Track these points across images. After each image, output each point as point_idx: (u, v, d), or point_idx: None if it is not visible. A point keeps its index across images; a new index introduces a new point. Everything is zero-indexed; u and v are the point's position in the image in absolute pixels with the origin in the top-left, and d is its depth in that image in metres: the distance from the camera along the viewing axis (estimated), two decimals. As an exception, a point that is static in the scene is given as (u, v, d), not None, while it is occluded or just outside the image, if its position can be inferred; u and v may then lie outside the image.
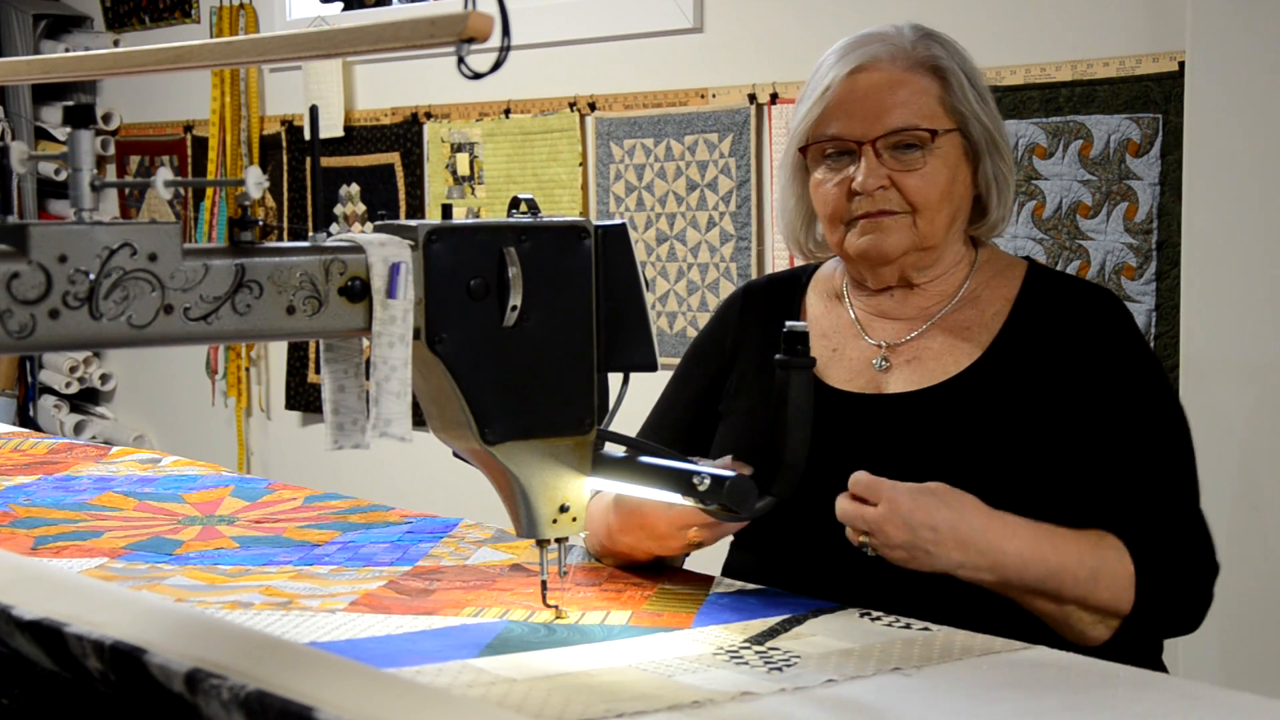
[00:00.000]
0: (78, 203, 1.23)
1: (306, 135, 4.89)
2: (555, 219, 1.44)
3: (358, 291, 1.32)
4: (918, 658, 1.43)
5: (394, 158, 4.64)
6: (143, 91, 5.55)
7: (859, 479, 1.62)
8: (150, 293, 1.23)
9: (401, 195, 4.62)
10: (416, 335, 1.37)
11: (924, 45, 1.86)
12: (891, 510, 1.60)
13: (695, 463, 1.48)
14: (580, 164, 4.13)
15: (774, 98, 3.70)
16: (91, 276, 1.20)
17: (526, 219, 1.43)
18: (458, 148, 4.44)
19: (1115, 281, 3.08)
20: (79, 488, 2.30)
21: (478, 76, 1.25)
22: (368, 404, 1.36)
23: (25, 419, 5.70)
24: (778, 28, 3.73)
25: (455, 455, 1.52)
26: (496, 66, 1.24)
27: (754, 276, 3.71)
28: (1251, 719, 1.28)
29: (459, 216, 1.46)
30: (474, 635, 1.50)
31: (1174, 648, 2.87)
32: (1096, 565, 1.67)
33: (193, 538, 1.98)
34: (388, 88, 4.66)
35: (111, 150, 5.64)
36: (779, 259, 3.70)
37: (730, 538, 1.82)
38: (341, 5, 4.90)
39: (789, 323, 1.52)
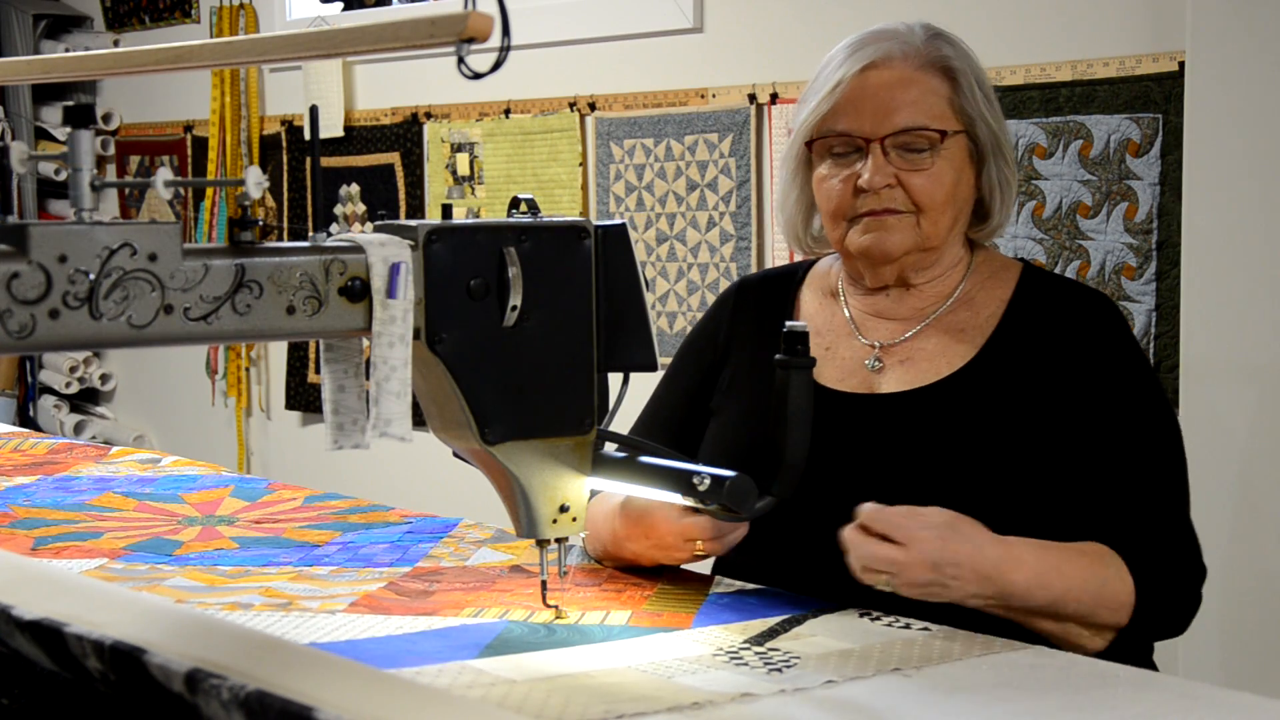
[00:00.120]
0: (78, 203, 1.23)
1: (306, 135, 4.89)
2: (555, 219, 1.44)
3: (358, 291, 1.32)
4: (918, 658, 1.43)
5: (394, 158, 4.64)
6: (143, 91, 5.55)
7: (874, 515, 1.58)
8: (150, 293, 1.23)
9: (401, 195, 4.62)
10: (416, 335, 1.37)
11: (935, 45, 1.86)
12: (920, 554, 1.57)
13: (695, 463, 1.48)
14: (580, 164, 4.13)
15: (774, 98, 3.70)
16: (91, 276, 1.20)
17: (526, 219, 1.43)
18: (458, 148, 4.44)
19: (1115, 281, 3.08)
20: (79, 488, 2.30)
21: (478, 76, 1.25)
22: (368, 404, 1.36)
23: (25, 419, 5.70)
24: (778, 28, 3.73)
25: (455, 455, 1.52)
26: (496, 66, 1.24)
27: (754, 276, 3.70)
28: (1251, 719, 1.28)
29: (459, 216, 1.46)
30: (474, 636, 1.50)
31: (1174, 648, 2.87)
32: (1099, 588, 1.66)
33: (192, 538, 1.98)
34: (388, 88, 4.66)
35: (111, 150, 5.64)
36: (779, 259, 3.70)
37: None
38: (341, 5, 4.90)
39: (789, 323, 1.52)
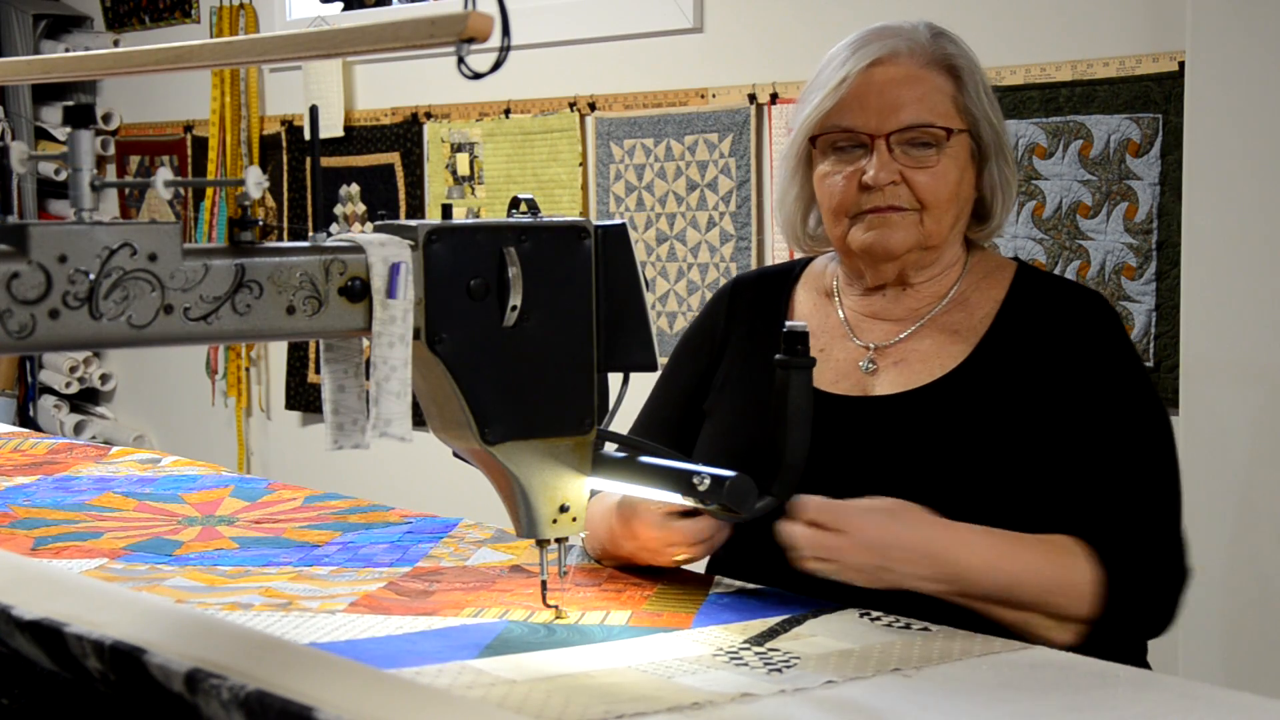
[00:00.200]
0: (78, 203, 1.23)
1: (306, 135, 4.89)
2: (555, 219, 1.44)
3: (358, 291, 1.32)
4: (917, 658, 1.43)
5: (394, 158, 4.64)
6: (143, 91, 5.55)
7: (812, 505, 1.61)
8: (150, 293, 1.23)
9: (401, 195, 4.62)
10: (416, 335, 1.37)
11: (940, 43, 1.86)
12: (859, 538, 1.60)
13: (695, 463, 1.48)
14: (580, 164, 4.13)
15: (774, 98, 3.70)
16: (91, 276, 1.20)
17: (526, 219, 1.43)
18: (458, 148, 4.44)
19: (1115, 281, 3.08)
20: (79, 488, 2.29)
21: (478, 76, 1.25)
22: (368, 404, 1.36)
23: (25, 419, 5.70)
24: (778, 28, 3.73)
25: (455, 455, 1.52)
26: (496, 66, 1.24)
27: (754, 276, 3.70)
28: (1251, 719, 1.28)
29: (459, 216, 1.46)
30: (474, 635, 1.50)
31: (1174, 648, 2.87)
32: (1055, 573, 1.65)
33: (192, 538, 1.98)
34: (388, 88, 4.66)
35: (111, 150, 5.64)
36: (779, 258, 3.70)
37: None
38: (341, 5, 4.90)
39: (789, 323, 1.52)
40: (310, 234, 1.33)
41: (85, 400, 5.83)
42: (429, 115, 4.52)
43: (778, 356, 1.51)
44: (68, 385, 5.69)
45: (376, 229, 1.39)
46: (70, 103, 5.08)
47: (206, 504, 2.19)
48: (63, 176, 5.26)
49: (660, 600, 1.66)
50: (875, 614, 1.59)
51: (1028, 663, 1.43)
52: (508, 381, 1.42)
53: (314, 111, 1.44)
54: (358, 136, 4.73)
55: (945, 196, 1.83)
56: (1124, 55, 3.07)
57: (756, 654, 1.44)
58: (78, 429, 5.62)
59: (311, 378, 4.97)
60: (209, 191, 5.20)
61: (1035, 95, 3.18)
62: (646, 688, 1.33)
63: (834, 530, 1.60)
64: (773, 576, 1.74)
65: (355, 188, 4.76)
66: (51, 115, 5.65)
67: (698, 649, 1.46)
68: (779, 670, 1.39)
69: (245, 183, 1.25)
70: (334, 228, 4.75)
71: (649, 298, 1.49)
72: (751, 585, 1.71)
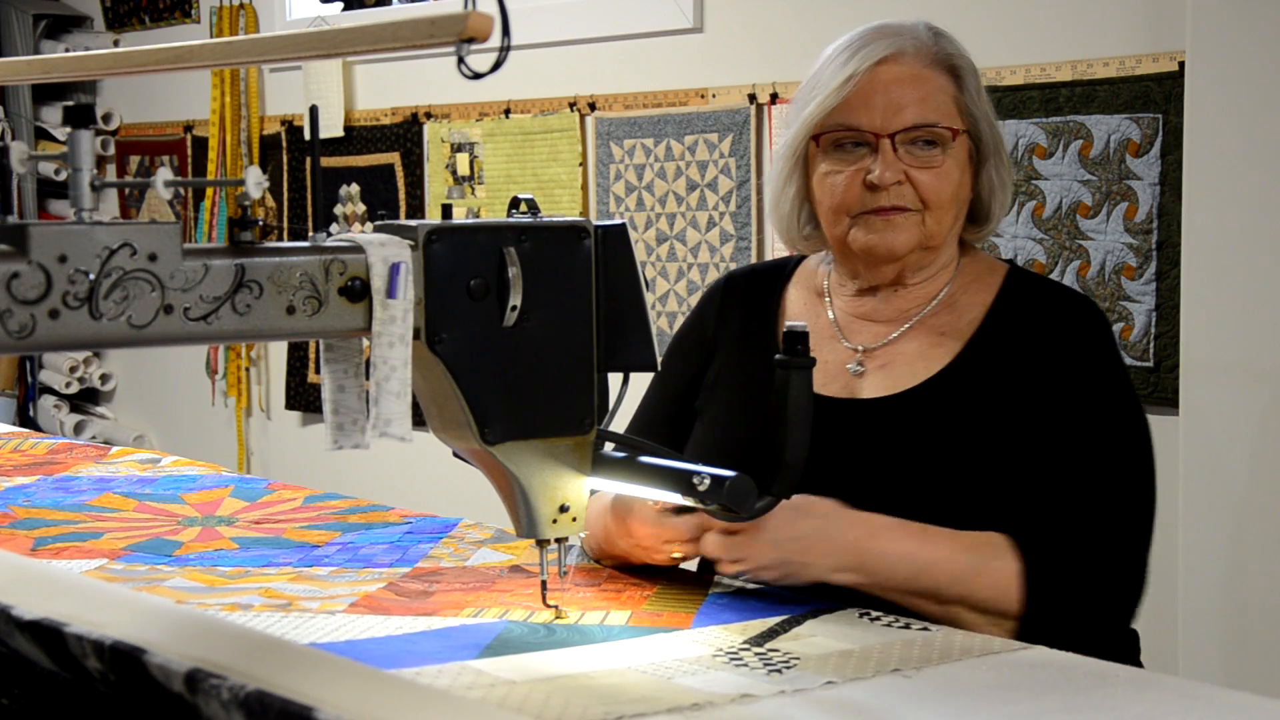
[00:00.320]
0: (78, 203, 1.23)
1: (306, 135, 4.89)
2: (555, 219, 1.44)
3: (358, 291, 1.32)
4: (917, 659, 1.43)
5: (394, 158, 4.64)
6: (143, 91, 5.55)
7: (706, 519, 1.63)
8: (150, 293, 1.23)
9: (401, 195, 4.62)
10: (416, 335, 1.37)
11: (940, 43, 1.86)
12: (762, 535, 1.62)
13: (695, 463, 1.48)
14: (580, 164, 4.13)
15: (774, 98, 3.70)
16: (91, 276, 1.20)
17: (526, 219, 1.43)
18: (458, 148, 4.44)
19: (1115, 281, 3.08)
20: (79, 488, 2.29)
21: (478, 76, 1.25)
22: (368, 404, 1.36)
23: (25, 419, 5.70)
24: (778, 28, 3.73)
25: (455, 455, 1.52)
26: (496, 66, 1.24)
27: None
28: (1251, 719, 1.28)
29: (459, 216, 1.46)
30: (473, 636, 1.50)
31: (1174, 648, 2.87)
32: (971, 563, 1.65)
33: (192, 539, 1.98)
34: (388, 88, 4.66)
35: (111, 150, 5.64)
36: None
37: None
38: (341, 5, 4.90)
39: (789, 322, 1.52)
40: (310, 234, 1.33)
41: (85, 400, 5.83)
42: (429, 115, 4.52)
43: (778, 356, 1.51)
44: (68, 385, 5.69)
45: (376, 229, 1.39)
46: (70, 103, 5.07)
47: (206, 504, 2.19)
48: (63, 176, 5.26)
49: (660, 600, 1.66)
50: (875, 614, 1.59)
51: (1028, 663, 1.43)
52: (508, 381, 1.42)
53: (314, 111, 1.43)
54: (358, 136, 4.73)
55: (948, 196, 1.83)
56: (1124, 55, 3.07)
57: (756, 654, 1.44)
58: (78, 429, 5.62)
59: (311, 378, 4.97)
60: (209, 191, 5.20)
61: (1035, 95, 3.18)
62: (646, 688, 1.33)
63: (738, 531, 1.62)
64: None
65: (355, 188, 4.76)
66: (51, 115, 5.65)
67: (697, 649, 1.46)
68: (779, 671, 1.39)
69: (245, 183, 1.25)
70: (334, 228, 4.75)
71: (649, 298, 1.49)
72: (751, 585, 1.71)
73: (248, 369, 5.23)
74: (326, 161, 4.76)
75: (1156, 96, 3.01)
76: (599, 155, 4.10)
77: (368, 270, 1.32)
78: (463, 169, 4.43)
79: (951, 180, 1.83)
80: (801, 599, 1.65)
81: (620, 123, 4.04)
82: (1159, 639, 2.91)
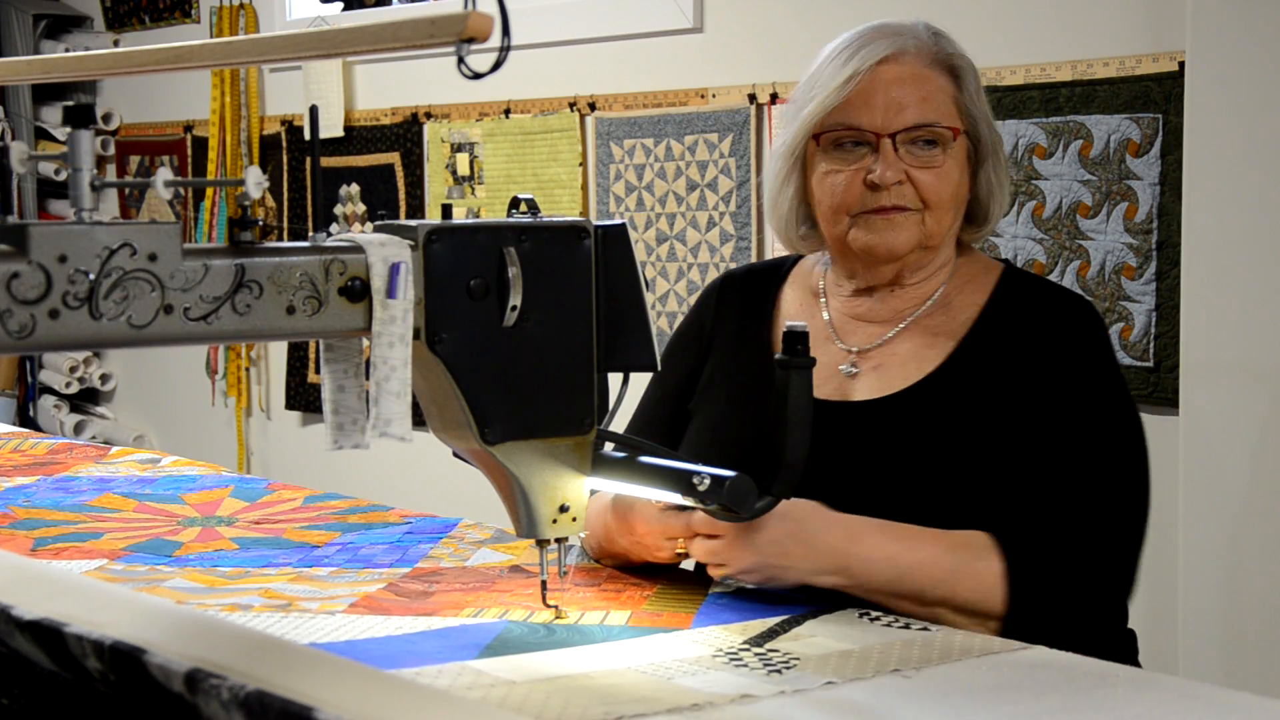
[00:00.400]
0: (78, 203, 1.23)
1: (306, 135, 4.89)
2: (555, 219, 1.44)
3: (358, 291, 1.32)
4: (917, 659, 1.43)
5: (394, 158, 4.64)
6: (143, 91, 5.55)
7: (700, 518, 1.64)
8: (150, 293, 1.23)
9: (401, 195, 4.62)
10: (416, 335, 1.37)
11: (940, 43, 1.86)
12: (741, 540, 1.62)
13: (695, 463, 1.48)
14: (580, 164, 4.13)
15: (774, 98, 3.70)
16: (91, 276, 1.20)
17: (526, 219, 1.43)
18: (458, 148, 4.44)
19: (1115, 281, 3.08)
20: (78, 489, 2.29)
21: (478, 76, 1.25)
22: (368, 404, 1.36)
23: (25, 419, 5.70)
24: (778, 28, 3.73)
25: (455, 455, 1.52)
26: (496, 66, 1.24)
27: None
28: (1251, 719, 1.28)
29: (459, 216, 1.46)
30: (473, 636, 1.50)
31: (1174, 648, 2.87)
32: (954, 564, 1.64)
33: (192, 539, 1.98)
34: (388, 88, 4.66)
35: (111, 150, 5.64)
36: (779, 259, 3.70)
37: None
38: (341, 5, 4.90)
39: (789, 322, 1.52)
40: (310, 234, 1.33)
41: (85, 400, 5.83)
42: (429, 115, 4.52)
43: (778, 356, 1.51)
44: (68, 385, 5.69)
45: (376, 229, 1.39)
46: (70, 103, 5.07)
47: (206, 504, 2.19)
48: (63, 176, 5.26)
49: (660, 600, 1.66)
50: (875, 614, 1.59)
51: (1028, 663, 1.43)
52: (508, 381, 1.42)
53: (314, 111, 1.43)
54: (358, 136, 4.73)
55: (948, 196, 1.83)
56: (1124, 55, 3.07)
57: (756, 655, 1.44)
58: (78, 429, 5.62)
59: (311, 378, 4.97)
60: (209, 191, 5.20)
61: (1035, 95, 3.18)
62: (646, 689, 1.33)
63: (718, 535, 1.63)
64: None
65: (355, 188, 4.76)
66: (51, 115, 5.65)
67: (697, 649, 1.46)
68: (779, 671, 1.39)
69: (245, 183, 1.25)
70: (334, 228, 4.75)
71: (649, 298, 1.49)
72: (751, 585, 1.71)
73: (248, 369, 5.23)
74: (326, 161, 4.76)
75: (1156, 96, 3.01)
76: (599, 155, 4.10)
77: (368, 270, 1.32)
78: (463, 169, 4.43)
79: (951, 180, 1.83)
80: (801, 599, 1.65)
81: (620, 123, 4.04)
82: (1159, 639, 2.91)
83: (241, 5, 5.06)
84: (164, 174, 1.25)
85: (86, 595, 1.48)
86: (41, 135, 5.65)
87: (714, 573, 1.67)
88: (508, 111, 4.30)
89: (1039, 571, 1.66)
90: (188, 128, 5.36)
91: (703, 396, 1.95)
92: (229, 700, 1.17)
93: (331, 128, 4.72)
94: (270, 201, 5.06)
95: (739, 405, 1.90)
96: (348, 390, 1.39)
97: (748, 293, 1.99)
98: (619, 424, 1.53)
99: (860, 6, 3.43)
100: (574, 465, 1.47)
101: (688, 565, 1.83)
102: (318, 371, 4.92)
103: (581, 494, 1.49)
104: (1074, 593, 1.69)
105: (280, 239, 4.93)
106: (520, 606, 1.62)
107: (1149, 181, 3.03)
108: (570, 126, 4.14)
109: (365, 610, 1.61)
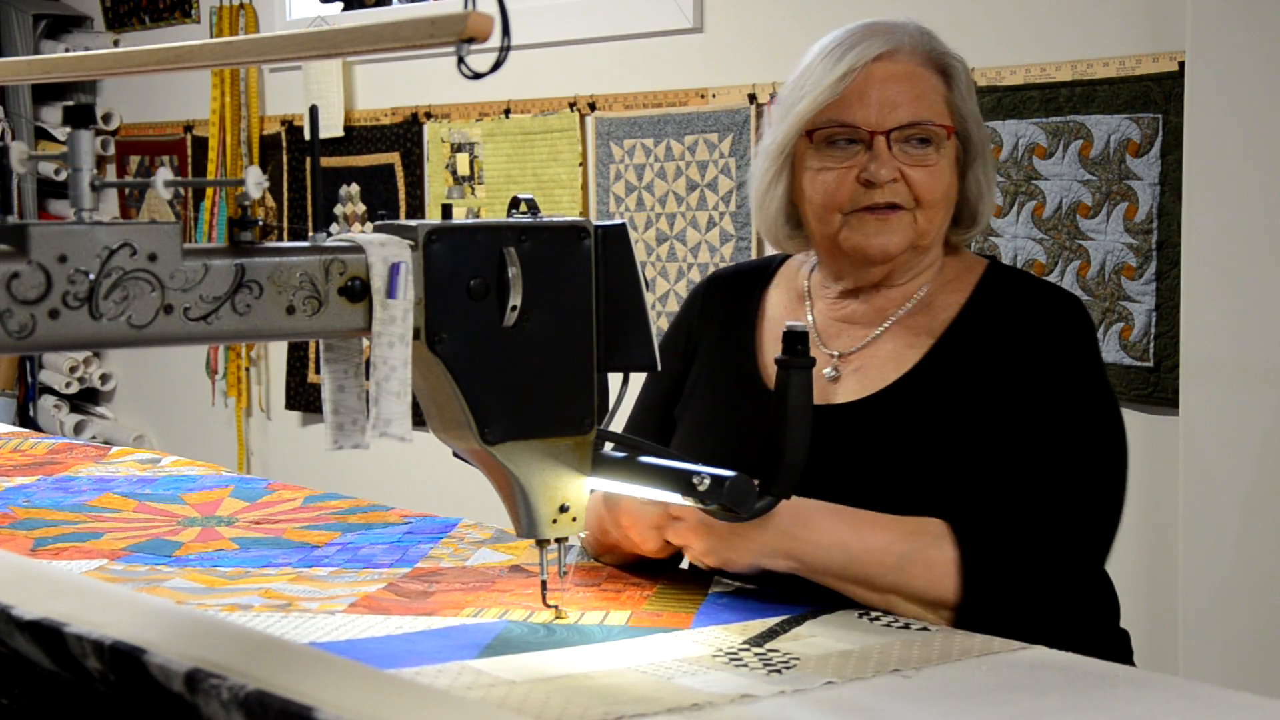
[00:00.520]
0: (78, 203, 1.23)
1: (306, 135, 4.89)
2: (555, 219, 1.44)
3: (358, 291, 1.32)
4: (917, 659, 1.43)
5: (394, 158, 4.64)
6: (143, 91, 5.55)
7: (677, 505, 1.64)
8: (150, 293, 1.23)
9: (401, 195, 4.62)
10: (416, 335, 1.37)
11: (932, 42, 1.86)
12: (694, 521, 1.63)
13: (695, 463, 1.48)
14: (580, 164, 4.13)
15: (774, 98, 3.69)
16: (91, 276, 1.20)
17: (526, 219, 1.43)
18: (458, 148, 4.44)
19: (1115, 281, 3.08)
20: (78, 489, 2.29)
21: (478, 76, 1.25)
22: (368, 404, 1.36)
23: (25, 419, 5.70)
24: (778, 28, 3.73)
25: (455, 455, 1.52)
26: (496, 66, 1.24)
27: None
28: (1251, 719, 1.28)
29: (459, 216, 1.46)
30: (473, 635, 1.50)
31: (1174, 648, 2.87)
32: (905, 551, 1.62)
33: (192, 539, 1.98)
34: (388, 88, 4.66)
35: (111, 150, 5.64)
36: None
37: None
38: (341, 5, 4.90)
39: (789, 322, 1.52)
40: (310, 234, 1.33)
41: (85, 400, 5.83)
42: (429, 115, 4.52)
43: (778, 357, 1.51)
44: (68, 385, 5.70)
45: (376, 229, 1.39)
46: (70, 103, 5.07)
47: (206, 504, 2.19)
48: (63, 176, 5.26)
49: (660, 600, 1.66)
50: (875, 614, 1.59)
51: (1028, 663, 1.43)
52: (508, 381, 1.42)
53: (314, 111, 1.43)
54: (358, 136, 4.73)
55: (940, 194, 1.83)
56: (1124, 55, 3.07)
57: (756, 655, 1.44)
58: (78, 429, 5.62)
59: (311, 378, 4.97)
60: (209, 191, 5.20)
61: (1035, 95, 3.18)
62: (646, 689, 1.33)
63: (678, 516, 1.65)
64: (768, 575, 1.74)
65: (355, 188, 4.76)
66: (51, 115, 5.65)
67: (697, 649, 1.46)
68: (778, 671, 1.39)
69: (245, 183, 1.25)
70: (334, 228, 4.75)
71: (649, 298, 1.49)
72: (751, 585, 1.71)
73: (248, 369, 5.23)
74: (326, 161, 4.76)
75: (1156, 96, 3.02)
76: (599, 155, 4.10)
77: (368, 270, 1.32)
78: (463, 169, 4.43)
79: (944, 179, 1.83)
80: (801, 599, 1.65)
81: (620, 123, 4.04)
82: (1159, 639, 2.92)
83: (241, 5, 5.06)
84: (164, 174, 1.25)
85: (86, 595, 1.48)
86: (41, 135, 5.66)
87: (691, 557, 1.70)
88: (508, 111, 4.30)
89: (993, 561, 1.64)
90: (188, 128, 5.36)
91: (687, 401, 1.95)
92: (229, 700, 1.17)
93: (331, 128, 4.72)
94: (270, 201, 5.06)
95: (723, 409, 1.90)
96: (348, 390, 1.39)
97: (733, 295, 1.99)
98: (619, 424, 1.53)
99: (860, 7, 3.42)
100: (574, 465, 1.47)
101: (687, 565, 1.83)
102: (318, 371, 4.92)
103: (581, 494, 1.49)
104: (1029, 583, 1.66)
105: (280, 239, 4.93)
106: (520, 606, 1.62)
107: (1149, 181, 3.03)
108: (570, 126, 4.14)
109: (365, 610, 1.61)
